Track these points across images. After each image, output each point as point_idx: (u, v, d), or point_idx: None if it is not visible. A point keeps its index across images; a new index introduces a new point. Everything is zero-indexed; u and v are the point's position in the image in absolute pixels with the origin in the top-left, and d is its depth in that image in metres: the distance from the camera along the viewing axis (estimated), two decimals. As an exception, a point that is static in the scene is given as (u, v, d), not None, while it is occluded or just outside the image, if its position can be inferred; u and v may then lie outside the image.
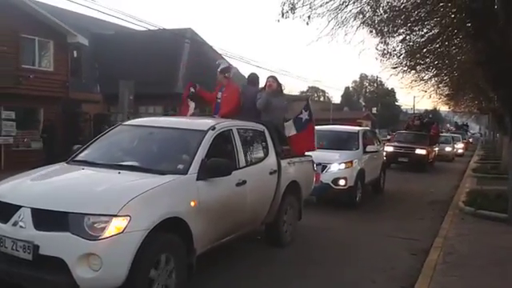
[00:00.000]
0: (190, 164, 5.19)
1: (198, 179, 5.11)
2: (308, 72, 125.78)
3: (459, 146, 33.65)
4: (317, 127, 13.07)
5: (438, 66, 18.24)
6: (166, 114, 25.54)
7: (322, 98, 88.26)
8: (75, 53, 24.15)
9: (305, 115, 7.79)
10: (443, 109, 51.99)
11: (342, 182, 10.41)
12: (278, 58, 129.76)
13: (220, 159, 5.35)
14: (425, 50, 15.81)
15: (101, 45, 30.47)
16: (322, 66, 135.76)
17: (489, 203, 10.00)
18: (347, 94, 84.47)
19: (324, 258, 6.90)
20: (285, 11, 11.50)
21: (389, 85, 72.33)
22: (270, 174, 6.67)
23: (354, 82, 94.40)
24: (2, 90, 16.73)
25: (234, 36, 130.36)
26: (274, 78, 7.96)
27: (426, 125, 24.76)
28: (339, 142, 11.88)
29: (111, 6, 60.79)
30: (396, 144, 21.93)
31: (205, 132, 5.66)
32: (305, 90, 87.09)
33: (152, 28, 27.16)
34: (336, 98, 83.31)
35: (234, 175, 5.65)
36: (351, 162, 10.76)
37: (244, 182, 5.86)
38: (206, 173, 5.19)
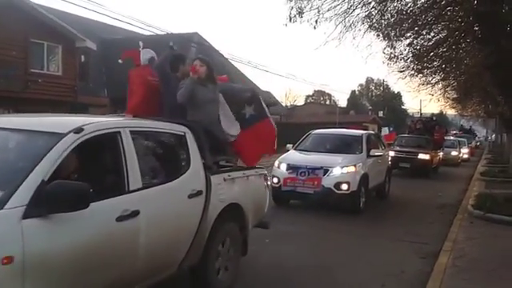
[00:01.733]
0: (14, 191, 3.17)
1: (25, 217, 3.12)
2: (314, 76, 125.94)
3: (465, 151, 32.42)
4: (320, 130, 13.10)
5: (446, 70, 18.22)
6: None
7: (327, 102, 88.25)
8: (83, 57, 24.32)
9: (249, 111, 6.05)
10: (450, 112, 51.90)
11: (344, 187, 10.06)
12: (285, 62, 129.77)
13: (73, 182, 3.45)
14: (432, 53, 15.81)
15: (109, 49, 30.58)
16: (328, 70, 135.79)
17: (498, 207, 9.97)
18: (353, 98, 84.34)
19: (332, 262, 6.90)
20: (292, 15, 11.58)
21: (395, 88, 72.23)
22: (190, 196, 4.63)
23: (360, 85, 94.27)
24: (11, 93, 16.88)
25: (241, 40, 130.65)
26: (202, 60, 5.86)
27: (430, 128, 23.67)
28: (342, 146, 11.68)
29: (119, 11, 61.46)
30: (397, 148, 20.84)
31: (60, 136, 3.62)
32: (311, 93, 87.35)
33: (159, 33, 27.26)
34: (342, 102, 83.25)
35: (116, 204, 3.82)
36: (354, 165, 10.46)
37: (134, 214, 3.88)
38: (43, 205, 3.21)
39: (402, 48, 15.35)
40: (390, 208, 12.15)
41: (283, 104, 64.95)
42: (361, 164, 10.73)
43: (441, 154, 23.09)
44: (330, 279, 6.11)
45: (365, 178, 10.73)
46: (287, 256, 7.02)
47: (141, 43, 6.47)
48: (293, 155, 11.42)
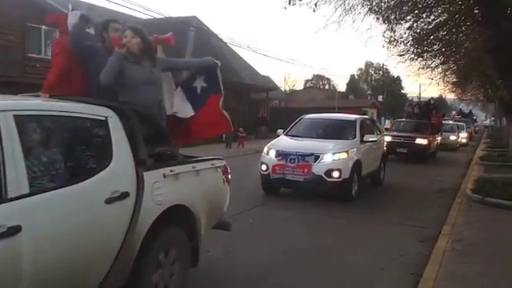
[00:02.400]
0: None
1: None
2: (314, 60, 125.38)
3: (463, 135, 31.97)
4: (312, 115, 12.58)
5: (445, 54, 18.16)
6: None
7: (327, 86, 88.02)
8: (81, 41, 24.16)
9: (200, 83, 5.22)
10: (449, 96, 51.78)
11: (335, 174, 9.64)
12: (284, 47, 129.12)
13: None
14: (432, 37, 15.74)
15: (106, 34, 30.44)
16: (327, 54, 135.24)
17: (496, 191, 9.99)
18: (352, 82, 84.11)
19: (331, 246, 6.94)
20: (292, -2, 11.48)
21: (395, 73, 72.10)
22: (110, 201, 3.53)
23: (360, 69, 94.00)
24: (8, 78, 16.79)
25: (240, 24, 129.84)
26: (135, 30, 4.76)
27: (427, 112, 22.94)
28: (334, 131, 11.23)
29: (115, -6, 60.77)
30: (394, 133, 20.42)
31: None
32: (310, 78, 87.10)
33: (158, 16, 27.09)
34: (341, 86, 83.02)
35: None
36: (346, 152, 10.01)
37: (12, 232, 2.81)
38: None
39: (401, 31, 15.29)
40: (388, 193, 12.16)
41: (282, 89, 64.81)
42: (354, 150, 10.30)
43: (439, 138, 22.69)
44: (328, 263, 6.12)
45: (358, 165, 10.30)
46: (282, 240, 7.04)
47: (70, 5, 5.21)
48: (283, 141, 11.00)
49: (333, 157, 9.81)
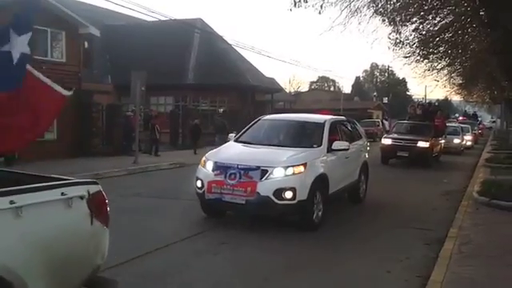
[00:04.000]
0: None
1: None
2: (318, 62, 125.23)
3: (468, 138, 30.39)
4: (272, 116, 10.74)
5: (451, 56, 18.15)
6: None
7: (332, 88, 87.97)
8: (86, 44, 24.26)
9: (18, 47, 3.43)
10: (455, 98, 51.67)
11: (288, 195, 7.31)
12: (289, 49, 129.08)
13: None
14: (438, 38, 15.75)
15: (112, 36, 30.64)
16: (332, 56, 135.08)
17: (503, 193, 9.92)
18: (358, 84, 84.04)
19: (337, 249, 6.94)
20: (297, 0, 11.48)
21: (400, 74, 71.89)
22: None
23: (365, 71, 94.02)
24: (15, 81, 16.86)
25: (245, 26, 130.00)
26: None
27: (431, 114, 21.42)
28: (296, 137, 9.13)
29: (121, -4, 60.81)
30: (395, 136, 19.29)
31: None
32: (315, 79, 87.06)
33: (163, 19, 27.16)
34: (346, 88, 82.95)
35: None
36: (304, 164, 7.63)
37: None
38: None
39: (407, 33, 15.32)
40: (393, 195, 12.09)
41: (287, 90, 64.81)
42: (316, 161, 8.08)
43: (442, 141, 21.47)
44: (334, 266, 6.11)
45: (322, 181, 7.98)
46: (290, 237, 7.03)
47: None
48: (226, 149, 8.79)
49: (285, 171, 7.48)
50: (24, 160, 16.60)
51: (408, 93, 79.23)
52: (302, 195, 7.42)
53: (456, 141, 26.00)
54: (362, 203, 10.32)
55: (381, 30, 16.90)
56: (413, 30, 15.13)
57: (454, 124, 31.25)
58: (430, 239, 7.45)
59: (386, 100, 62.45)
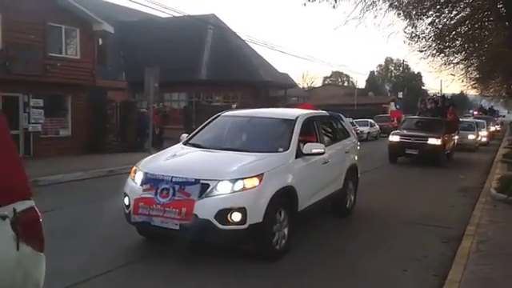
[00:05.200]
0: None
1: None
2: (332, 57, 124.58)
3: (483, 134, 29.01)
4: (233, 112, 8.91)
5: (468, 50, 17.95)
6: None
7: (346, 83, 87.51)
8: (100, 40, 24.35)
9: None
10: (471, 93, 51.01)
11: (235, 217, 5.54)
12: (302, 44, 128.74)
13: None
14: (454, 32, 15.56)
15: (126, 32, 30.75)
16: (346, 51, 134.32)
17: (521, 190, 9.75)
18: (372, 79, 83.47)
19: (353, 246, 6.85)
20: (312, -5, 11.39)
21: (415, 69, 71.41)
22: None
23: (379, 66, 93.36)
24: (30, 78, 16.97)
25: (258, 21, 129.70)
26: None
27: (443, 108, 20.05)
28: (258, 138, 7.30)
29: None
30: (404, 133, 18.08)
31: None
32: (329, 74, 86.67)
33: (176, 15, 27.20)
34: (361, 83, 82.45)
35: None
36: (259, 176, 5.79)
37: None
38: None
39: (423, 27, 15.17)
40: (409, 191, 11.97)
41: (300, 86, 64.59)
42: (279, 171, 6.22)
43: (456, 137, 20.20)
44: (348, 265, 6.04)
45: (287, 196, 6.23)
46: (305, 240, 6.96)
47: None
48: (163, 155, 6.90)
49: (232, 186, 5.65)
50: (39, 156, 16.78)
51: (423, 87, 78.48)
52: (256, 217, 5.61)
53: (471, 137, 24.88)
54: (347, 215, 8.56)
55: (396, 23, 16.88)
56: (429, 24, 14.98)
57: (468, 119, 30.55)
58: (448, 237, 7.33)
59: (400, 95, 61.91)
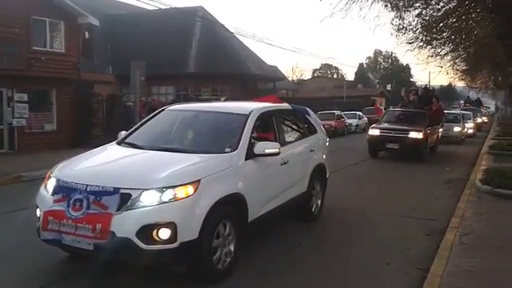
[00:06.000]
0: None
1: None
2: (321, 49, 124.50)
3: (469, 126, 28.15)
4: (179, 106, 7.70)
5: (455, 41, 17.97)
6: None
7: (335, 76, 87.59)
8: (86, 34, 24.09)
9: None
10: (459, 84, 51.28)
11: (163, 234, 4.61)
12: (291, 36, 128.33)
13: None
14: (441, 24, 15.56)
15: (112, 25, 30.47)
16: (335, 43, 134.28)
17: (506, 181, 9.75)
18: (361, 71, 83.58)
19: (336, 240, 6.83)
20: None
21: (403, 61, 71.62)
22: None
23: (368, 58, 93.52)
24: (13, 72, 16.75)
25: (246, 14, 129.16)
26: None
27: (426, 100, 18.84)
28: (203, 136, 6.38)
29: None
30: (385, 126, 17.21)
31: None
32: (318, 67, 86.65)
33: (163, 7, 26.94)
34: (350, 75, 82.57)
35: None
36: (195, 183, 4.83)
37: None
38: None
39: (410, 19, 15.16)
40: (395, 183, 11.97)
41: (290, 78, 64.52)
42: (222, 175, 5.25)
43: (440, 130, 19.35)
44: (330, 258, 6.01)
45: (233, 205, 5.35)
46: (289, 234, 6.92)
47: None
48: (85, 157, 5.88)
49: (160, 196, 4.68)
50: (24, 151, 16.60)
51: (412, 79, 78.76)
52: (189, 233, 4.70)
53: (456, 129, 23.83)
54: (313, 221, 7.68)
55: (383, 15, 16.80)
56: (416, 16, 14.96)
57: (454, 111, 29.62)
58: (432, 229, 7.33)
59: (389, 87, 62.13)
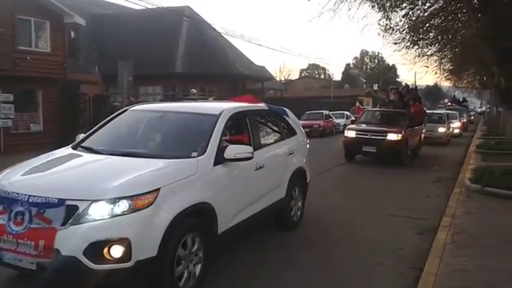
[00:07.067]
0: None
1: None
2: (309, 49, 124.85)
3: (455, 125, 27.74)
4: (144, 106, 7.06)
5: (441, 41, 18.07)
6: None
7: (322, 76, 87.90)
8: (72, 33, 23.88)
9: None
10: (444, 84, 51.65)
11: (115, 252, 4.03)
12: (279, 36, 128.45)
13: None
14: (428, 24, 15.64)
15: (99, 25, 30.21)
16: (322, 43, 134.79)
17: (495, 180, 9.85)
18: (348, 71, 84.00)
19: (328, 240, 6.80)
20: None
21: (390, 61, 72.16)
22: None
23: (355, 58, 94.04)
24: (-1, 72, 16.54)
25: (234, 13, 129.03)
26: None
27: (408, 99, 17.73)
28: (169, 139, 5.75)
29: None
30: (361, 127, 16.05)
31: None
32: (305, 67, 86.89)
33: (150, 7, 26.77)
34: (337, 75, 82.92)
35: None
36: (153, 192, 4.25)
37: None
38: None
39: (397, 19, 15.19)
40: (384, 182, 12.00)
41: (277, 78, 64.57)
42: (186, 183, 4.69)
43: (423, 130, 18.47)
44: (322, 258, 5.98)
45: (199, 216, 4.78)
46: (283, 235, 6.89)
47: None
48: (32, 164, 5.13)
49: (112, 208, 4.10)
50: (10, 152, 16.37)
51: (398, 79, 79.33)
52: (146, 250, 4.14)
53: (441, 130, 22.81)
54: (291, 229, 7.13)
55: (371, 16, 16.81)
56: (403, 16, 15.00)
57: (438, 111, 29.00)
58: (423, 228, 7.35)
59: (376, 87, 62.46)
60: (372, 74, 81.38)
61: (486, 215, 7.88)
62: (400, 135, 14.93)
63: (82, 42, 27.02)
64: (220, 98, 27.44)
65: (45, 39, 19.29)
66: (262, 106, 7.31)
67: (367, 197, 9.98)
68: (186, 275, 4.56)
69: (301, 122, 10.43)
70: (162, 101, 25.20)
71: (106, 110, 20.78)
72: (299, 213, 7.45)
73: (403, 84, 31.81)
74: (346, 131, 16.62)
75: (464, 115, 35.44)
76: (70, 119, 19.35)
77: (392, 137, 14.90)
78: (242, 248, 6.17)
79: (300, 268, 5.62)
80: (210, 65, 29.18)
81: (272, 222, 7.01)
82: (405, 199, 9.75)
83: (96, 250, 3.97)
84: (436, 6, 14.83)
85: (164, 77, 29.48)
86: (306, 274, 5.43)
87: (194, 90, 30.57)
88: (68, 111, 19.52)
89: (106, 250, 4.00)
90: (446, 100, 57.86)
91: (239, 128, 6.17)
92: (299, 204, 7.46)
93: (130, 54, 22.93)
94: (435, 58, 21.80)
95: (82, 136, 6.03)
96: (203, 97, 29.01)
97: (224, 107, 5.99)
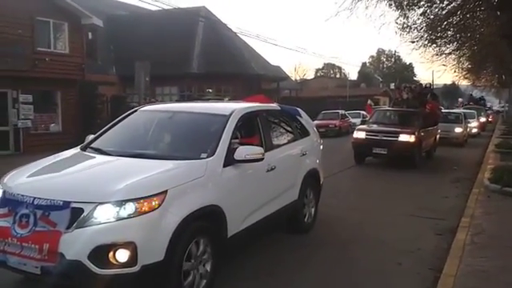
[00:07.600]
0: None
1: None
2: (324, 49, 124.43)
3: (473, 125, 26.67)
4: (153, 107, 6.85)
5: (460, 40, 17.90)
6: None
7: (338, 75, 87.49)
8: (90, 34, 24.13)
9: None
10: (463, 83, 51.05)
11: (121, 256, 3.92)
12: (294, 36, 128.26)
13: None
14: (446, 22, 15.52)
15: (116, 26, 30.47)
16: (338, 43, 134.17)
17: (515, 180, 9.70)
18: (364, 70, 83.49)
19: (344, 240, 6.77)
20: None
21: (407, 60, 71.46)
22: None
23: (371, 57, 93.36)
24: (18, 73, 16.78)
25: (250, 13, 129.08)
26: None
27: (422, 98, 16.54)
28: (178, 140, 5.62)
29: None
30: (372, 128, 15.28)
31: None
32: (321, 66, 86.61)
33: (166, 7, 26.95)
34: (353, 75, 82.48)
35: None
36: (160, 194, 4.14)
37: None
38: None
39: (415, 17, 15.12)
40: (402, 183, 11.91)
41: (293, 78, 64.50)
42: (195, 185, 4.55)
43: (438, 132, 17.45)
44: (343, 258, 5.96)
45: (208, 219, 4.63)
46: (299, 236, 6.89)
47: None
48: (39, 165, 5.05)
49: (118, 210, 3.99)
50: (29, 153, 16.60)
51: (415, 78, 78.63)
52: (153, 254, 4.03)
53: (457, 130, 21.65)
54: (305, 233, 6.94)
55: (388, 14, 16.69)
56: (420, 14, 14.92)
57: (455, 110, 28.04)
58: (442, 229, 7.29)
59: (392, 86, 61.96)
60: (388, 73, 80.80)
61: (506, 215, 7.78)
62: (413, 136, 14.10)
63: (100, 43, 27.28)
64: (235, 98, 27.60)
65: (63, 40, 19.52)
66: (273, 106, 7.20)
67: (383, 197, 9.92)
68: (193, 280, 4.44)
69: (316, 121, 10.49)
70: (177, 101, 25.37)
71: (123, 110, 21.03)
72: (313, 215, 7.27)
73: (418, 83, 31.02)
74: (355, 132, 15.72)
75: (482, 114, 34.56)
76: (88, 120, 19.55)
77: (404, 138, 14.10)
78: (255, 248, 6.18)
79: (316, 268, 5.61)
80: (225, 65, 29.24)
81: (285, 223, 6.84)
82: (422, 199, 9.67)
83: (101, 254, 3.87)
84: (454, 3, 14.70)
85: (180, 77, 29.62)
86: (322, 274, 5.43)
87: (210, 90, 30.68)
88: (86, 112, 19.74)
89: (111, 254, 3.89)
90: (460, 99, 56.33)
91: (250, 129, 5.98)
92: (312, 206, 7.29)
93: (147, 55, 23.09)
94: (453, 56, 21.59)
95: (91, 137, 5.94)
96: (218, 97, 29.19)
97: (235, 107, 5.86)
